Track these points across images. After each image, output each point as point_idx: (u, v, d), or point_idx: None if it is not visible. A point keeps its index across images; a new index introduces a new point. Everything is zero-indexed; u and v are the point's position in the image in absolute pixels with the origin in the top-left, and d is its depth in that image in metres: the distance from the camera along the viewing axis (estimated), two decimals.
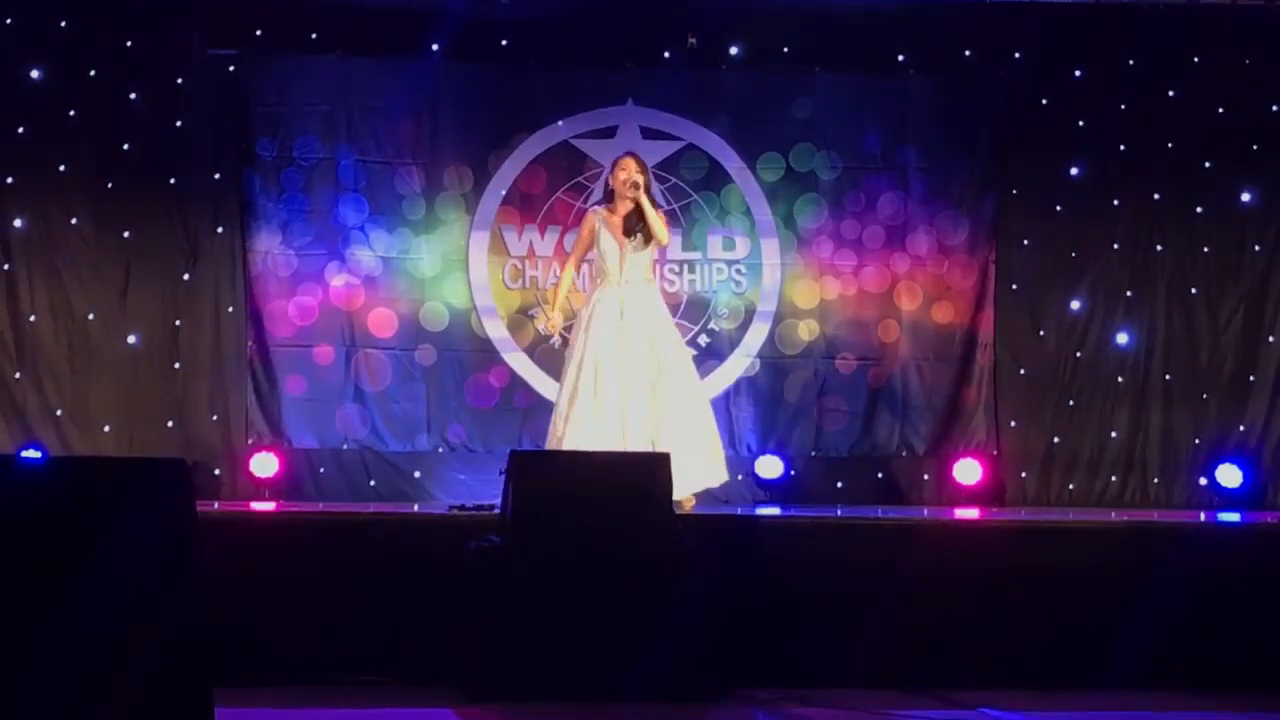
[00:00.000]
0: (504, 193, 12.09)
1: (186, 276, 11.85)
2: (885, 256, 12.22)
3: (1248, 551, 8.42)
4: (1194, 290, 12.44)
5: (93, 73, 11.74)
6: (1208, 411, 12.42)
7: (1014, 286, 12.37)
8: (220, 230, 11.89)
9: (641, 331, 9.73)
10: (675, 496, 9.41)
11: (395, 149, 12.03)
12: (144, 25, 11.79)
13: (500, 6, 11.91)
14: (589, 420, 9.58)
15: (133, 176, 11.76)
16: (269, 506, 10.80)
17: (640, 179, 9.81)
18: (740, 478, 11.61)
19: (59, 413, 11.63)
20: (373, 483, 11.89)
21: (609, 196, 9.98)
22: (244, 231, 11.86)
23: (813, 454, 12.17)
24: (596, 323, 9.74)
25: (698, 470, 9.69)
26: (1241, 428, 12.39)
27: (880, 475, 12.23)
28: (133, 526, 5.27)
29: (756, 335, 12.17)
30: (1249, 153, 12.38)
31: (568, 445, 9.54)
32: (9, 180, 11.69)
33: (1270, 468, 12.33)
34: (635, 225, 9.79)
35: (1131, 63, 12.33)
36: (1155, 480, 12.36)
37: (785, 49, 12.25)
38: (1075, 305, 12.41)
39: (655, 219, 9.81)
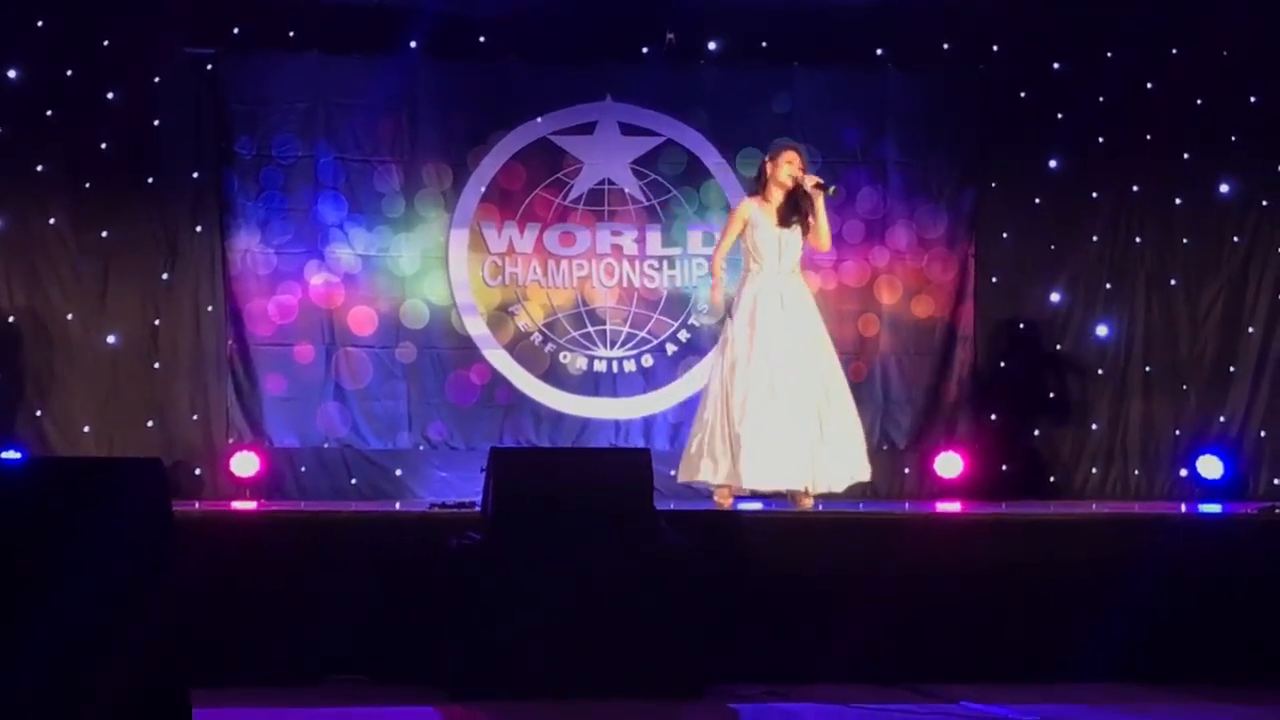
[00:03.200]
0: (483, 189, 12.08)
1: (166, 276, 11.84)
2: (865, 251, 12.22)
3: (1229, 543, 8.41)
4: (1173, 281, 12.47)
5: (70, 72, 11.72)
6: (1188, 402, 12.46)
7: (994, 279, 12.38)
8: (199, 229, 11.87)
9: (803, 320, 9.61)
10: (829, 490, 9.42)
11: (374, 146, 12.02)
12: (121, 25, 11.76)
13: (478, 3, 11.90)
14: (766, 410, 9.41)
15: (111, 176, 11.75)
16: (250, 506, 10.77)
17: (802, 173, 9.63)
18: None
19: (39, 413, 11.60)
20: (354, 481, 11.88)
21: (763, 185, 9.76)
22: (223, 230, 11.85)
23: None
24: (761, 312, 9.55)
25: (856, 462, 9.65)
26: (1222, 418, 12.43)
27: None
28: (108, 526, 5.26)
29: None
30: (1227, 144, 12.42)
31: (746, 437, 9.36)
32: None
33: (1250, 458, 12.36)
34: (791, 217, 9.64)
35: (1110, 55, 12.35)
36: (1136, 471, 12.39)
37: (764, 44, 12.26)
38: (1055, 298, 12.43)
39: (825, 226, 9.69)
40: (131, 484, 5.44)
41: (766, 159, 9.80)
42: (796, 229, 9.63)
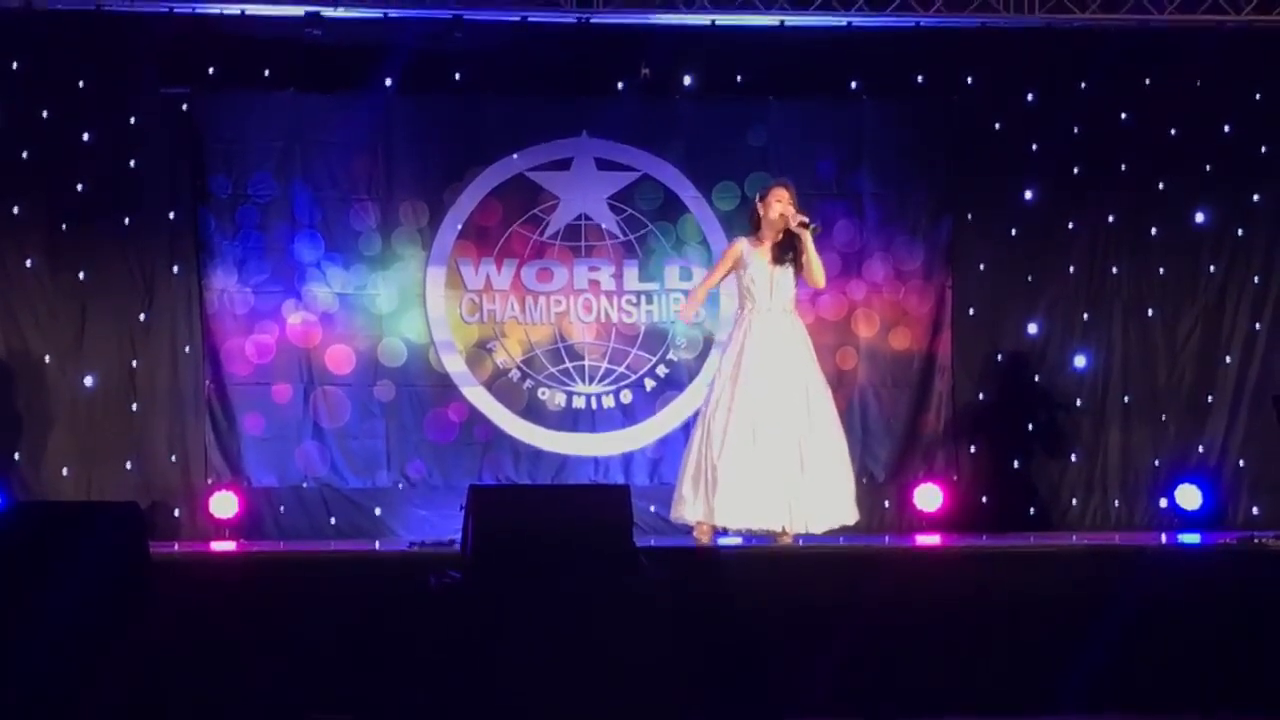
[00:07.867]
0: (460, 226, 12.07)
1: (143, 316, 11.81)
2: (842, 284, 12.18)
3: (1208, 573, 8.43)
4: (1150, 311, 12.48)
5: (45, 113, 11.69)
6: (1166, 432, 12.45)
7: (971, 311, 12.39)
8: (176, 269, 11.85)
9: (793, 361, 9.63)
10: (809, 530, 9.41)
11: (350, 184, 12.00)
12: (96, 65, 11.74)
13: (452, 39, 11.87)
14: (746, 448, 9.44)
15: (87, 217, 11.71)
16: (229, 546, 10.76)
17: (793, 209, 9.68)
18: None
19: (16, 456, 11.55)
20: (333, 520, 11.84)
21: (756, 226, 9.85)
22: (200, 270, 11.82)
23: None
24: (749, 354, 9.59)
25: (839, 505, 9.65)
26: (1200, 448, 12.43)
27: None
28: (86, 569, 5.25)
29: (715, 365, 12.14)
30: (1202, 173, 12.45)
31: (723, 475, 9.41)
32: None
33: (1229, 487, 12.37)
34: (784, 255, 9.68)
35: (1083, 85, 12.37)
36: (1116, 502, 12.39)
37: (738, 77, 12.26)
38: (1032, 328, 12.44)
39: (817, 263, 9.72)
40: (109, 528, 5.43)
41: (758, 199, 9.86)
42: (789, 268, 9.67)
